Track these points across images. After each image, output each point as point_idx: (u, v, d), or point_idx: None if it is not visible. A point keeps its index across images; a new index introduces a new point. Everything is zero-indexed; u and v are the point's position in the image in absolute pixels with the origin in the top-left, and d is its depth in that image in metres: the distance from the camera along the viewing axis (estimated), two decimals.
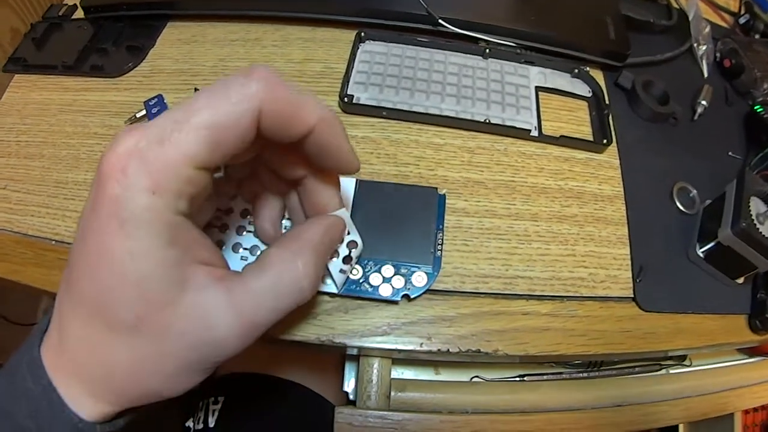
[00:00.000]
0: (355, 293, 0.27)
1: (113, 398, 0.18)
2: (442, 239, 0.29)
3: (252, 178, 0.25)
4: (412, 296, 0.28)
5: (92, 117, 0.36)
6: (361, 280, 0.27)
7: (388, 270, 0.28)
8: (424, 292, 0.28)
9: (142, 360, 0.17)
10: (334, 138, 0.20)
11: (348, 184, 0.30)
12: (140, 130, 0.16)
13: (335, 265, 0.25)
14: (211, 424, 0.42)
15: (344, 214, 0.23)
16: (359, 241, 0.26)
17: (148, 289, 0.16)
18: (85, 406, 0.18)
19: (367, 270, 0.28)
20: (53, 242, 0.31)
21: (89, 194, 0.17)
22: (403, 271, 0.28)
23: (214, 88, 0.17)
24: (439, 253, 0.29)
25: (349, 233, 0.25)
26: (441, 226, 0.30)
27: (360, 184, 0.30)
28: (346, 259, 0.26)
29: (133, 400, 0.19)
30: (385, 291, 0.27)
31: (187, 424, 0.44)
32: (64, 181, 0.33)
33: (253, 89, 0.16)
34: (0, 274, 0.30)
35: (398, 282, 0.28)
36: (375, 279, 0.27)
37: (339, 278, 0.26)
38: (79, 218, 0.18)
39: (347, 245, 0.25)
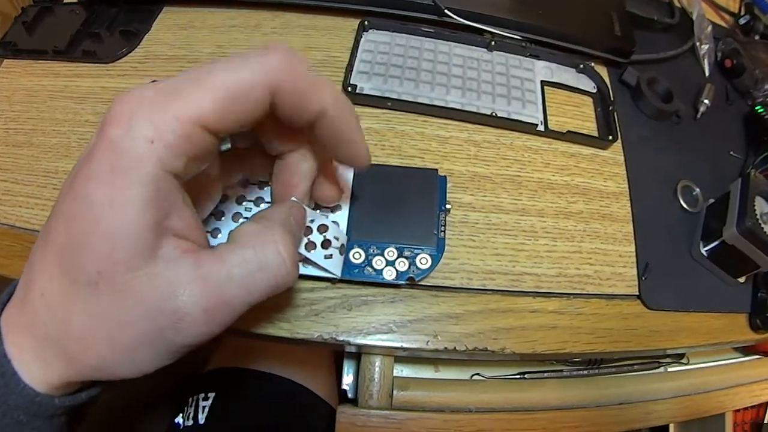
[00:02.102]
0: (357, 278, 0.27)
1: (64, 366, 0.17)
2: (445, 220, 0.29)
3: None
4: (417, 279, 0.27)
5: (84, 104, 0.35)
6: (363, 264, 0.27)
7: (391, 253, 0.27)
8: (428, 275, 0.27)
9: (97, 322, 0.17)
10: (347, 125, 0.19)
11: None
12: (155, 83, 0.16)
13: (318, 254, 0.24)
14: (201, 420, 0.42)
15: (299, 201, 0.23)
16: (328, 223, 0.25)
17: (117, 247, 0.16)
18: (35, 373, 0.17)
19: (369, 253, 0.27)
20: None
21: (88, 144, 0.17)
22: (406, 253, 0.27)
23: (233, 56, 0.17)
24: (442, 234, 0.28)
25: (313, 221, 0.24)
26: (443, 207, 0.29)
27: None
28: (325, 244, 0.25)
29: (85, 372, 0.18)
30: (389, 275, 0.27)
31: (176, 420, 0.44)
32: (53, 170, 0.32)
33: (272, 61, 0.17)
34: None
35: (402, 265, 0.27)
36: (378, 262, 0.27)
37: (330, 264, 0.25)
38: (72, 168, 0.18)
39: (318, 230, 0.24)
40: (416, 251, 0.27)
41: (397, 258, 0.27)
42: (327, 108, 0.18)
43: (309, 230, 0.24)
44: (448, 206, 0.29)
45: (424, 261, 0.27)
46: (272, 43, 0.18)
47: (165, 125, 0.16)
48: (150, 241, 0.16)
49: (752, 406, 0.54)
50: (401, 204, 0.29)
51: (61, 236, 0.17)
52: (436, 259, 0.27)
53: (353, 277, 0.27)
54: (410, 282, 0.27)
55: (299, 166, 0.22)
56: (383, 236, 0.27)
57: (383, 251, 0.27)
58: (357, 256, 0.27)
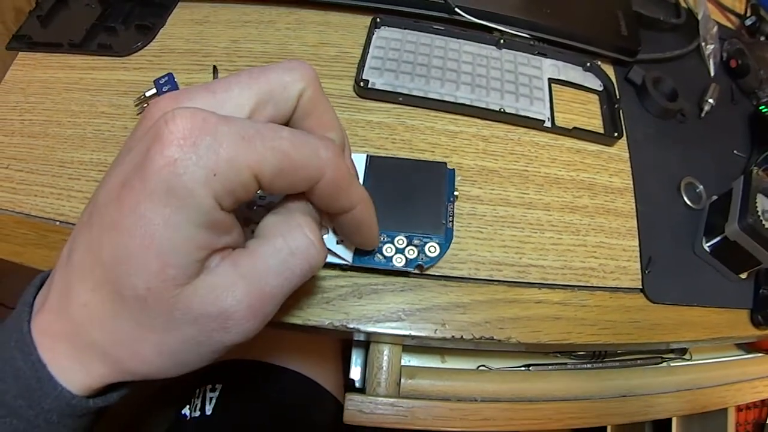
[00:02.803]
0: (368, 264, 0.27)
1: (108, 371, 0.18)
2: (453, 211, 0.29)
3: None
4: (425, 266, 0.28)
5: (99, 96, 0.35)
6: (374, 252, 0.27)
7: (400, 241, 0.28)
8: (436, 263, 0.28)
9: (144, 331, 0.17)
10: (369, 219, 0.22)
11: (359, 159, 0.30)
12: (222, 117, 0.16)
13: (330, 239, 0.25)
14: (208, 412, 0.42)
15: None
16: None
17: (169, 264, 0.16)
18: (74, 377, 0.18)
19: (380, 241, 0.28)
20: (57, 223, 0.30)
21: (133, 144, 0.17)
22: (415, 242, 0.28)
23: (299, 132, 0.18)
24: (450, 224, 0.29)
25: None
26: (451, 198, 0.30)
27: (370, 160, 0.30)
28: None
29: (127, 375, 0.18)
30: (399, 262, 0.27)
31: (183, 412, 0.44)
32: (69, 160, 0.32)
33: (327, 154, 0.18)
34: (0, 255, 0.29)
35: (411, 252, 0.28)
36: (388, 250, 0.27)
37: (342, 250, 0.26)
38: (112, 170, 0.17)
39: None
40: (425, 240, 0.28)
41: (406, 246, 0.28)
42: (354, 207, 0.20)
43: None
44: (456, 193, 0.30)
45: (432, 249, 0.28)
46: (333, 133, 0.20)
47: (226, 164, 0.16)
48: (200, 258, 0.17)
49: (755, 407, 0.55)
50: (411, 195, 0.29)
51: (107, 249, 0.16)
52: (444, 248, 0.28)
53: (364, 263, 0.27)
54: (419, 269, 0.28)
55: None
56: (393, 225, 0.28)
57: (393, 239, 0.28)
58: None
